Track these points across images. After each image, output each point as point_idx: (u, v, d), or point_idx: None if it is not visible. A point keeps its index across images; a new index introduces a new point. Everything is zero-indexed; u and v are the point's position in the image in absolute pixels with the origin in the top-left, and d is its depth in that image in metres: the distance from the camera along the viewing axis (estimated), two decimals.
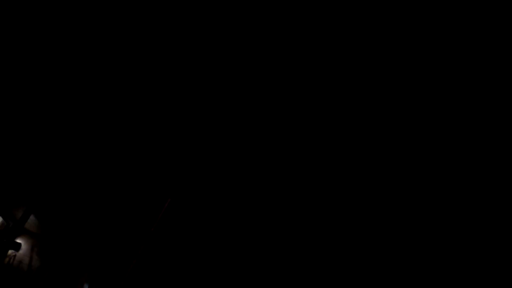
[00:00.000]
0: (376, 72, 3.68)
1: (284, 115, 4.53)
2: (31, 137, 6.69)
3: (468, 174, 4.18)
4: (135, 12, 3.77)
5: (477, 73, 3.31)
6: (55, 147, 6.79)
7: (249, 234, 6.11)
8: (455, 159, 4.15)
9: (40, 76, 5.01)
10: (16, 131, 6.63)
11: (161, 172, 6.58)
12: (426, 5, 3.00)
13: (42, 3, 3.91)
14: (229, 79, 4.26)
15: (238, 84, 4.30)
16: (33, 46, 4.55)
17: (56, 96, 5.31)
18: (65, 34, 4.24)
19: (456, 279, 4.20)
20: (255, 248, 5.92)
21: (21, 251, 12.14)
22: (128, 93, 4.90)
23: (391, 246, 4.67)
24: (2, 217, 11.31)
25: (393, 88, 3.78)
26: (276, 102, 4.39)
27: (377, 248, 4.75)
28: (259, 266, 5.72)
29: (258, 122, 4.75)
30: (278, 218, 5.86)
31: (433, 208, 4.58)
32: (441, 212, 4.53)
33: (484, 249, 4.09)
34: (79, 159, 7.02)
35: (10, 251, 11.90)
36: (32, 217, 11.14)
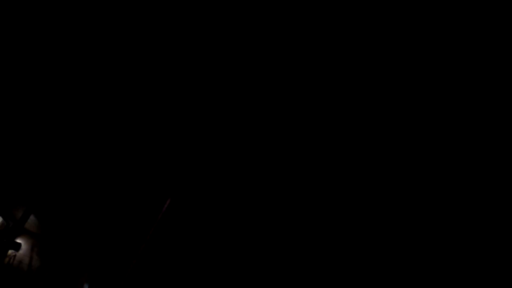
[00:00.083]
0: (376, 72, 3.68)
1: (284, 115, 4.53)
2: (31, 137, 6.70)
3: (468, 174, 4.18)
4: (135, 12, 3.77)
5: (477, 73, 3.31)
6: (55, 147, 6.80)
7: (249, 234, 6.11)
8: (455, 159, 4.15)
9: (40, 76, 5.02)
10: (16, 131, 6.63)
11: (161, 172, 6.58)
12: (426, 5, 3.00)
13: (42, 3, 3.91)
14: (229, 79, 4.26)
15: (238, 84, 4.30)
16: (33, 46, 4.55)
17: (56, 96, 5.32)
18: (65, 34, 4.24)
19: (456, 279, 4.20)
20: (255, 248, 5.93)
21: (21, 251, 12.15)
22: (127, 93, 4.91)
23: (391, 246, 4.68)
24: (2, 217, 11.31)
25: (393, 88, 3.79)
26: (276, 102, 4.40)
27: (377, 248, 4.76)
28: (259, 266, 5.72)
29: (258, 122, 4.76)
30: (278, 218, 5.86)
31: (433, 208, 4.59)
32: (441, 212, 4.53)
33: (484, 249, 4.10)
34: (79, 159, 7.02)
35: (10, 251, 11.90)
36: (32, 217, 11.14)
